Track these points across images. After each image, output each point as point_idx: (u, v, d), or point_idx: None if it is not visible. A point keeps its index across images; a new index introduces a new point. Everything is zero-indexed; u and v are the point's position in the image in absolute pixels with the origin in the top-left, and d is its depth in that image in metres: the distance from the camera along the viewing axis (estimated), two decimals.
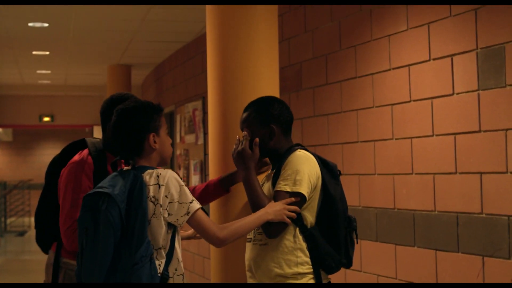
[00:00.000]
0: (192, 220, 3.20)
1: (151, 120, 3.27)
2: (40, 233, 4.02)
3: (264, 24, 4.69)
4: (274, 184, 3.52)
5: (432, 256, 4.72)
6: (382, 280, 5.25)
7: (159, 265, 3.16)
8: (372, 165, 5.36)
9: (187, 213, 3.17)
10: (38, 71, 12.96)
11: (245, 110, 3.71)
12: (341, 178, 3.53)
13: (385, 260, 5.22)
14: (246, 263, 3.64)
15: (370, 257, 5.41)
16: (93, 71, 12.78)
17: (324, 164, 3.55)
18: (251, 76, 4.55)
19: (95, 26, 8.84)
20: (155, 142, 3.27)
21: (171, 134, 11.28)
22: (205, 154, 9.09)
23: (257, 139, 3.58)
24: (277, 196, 3.45)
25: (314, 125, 6.19)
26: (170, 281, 3.18)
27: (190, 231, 3.91)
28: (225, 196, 4.08)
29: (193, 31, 9.11)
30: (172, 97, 11.01)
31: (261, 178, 3.78)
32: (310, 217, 3.49)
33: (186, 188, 3.20)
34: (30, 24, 8.65)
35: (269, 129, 3.60)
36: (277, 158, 3.62)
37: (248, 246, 3.63)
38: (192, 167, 9.64)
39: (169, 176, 3.17)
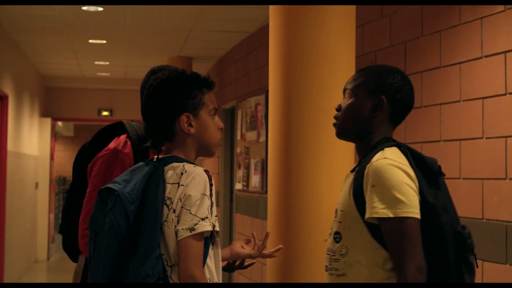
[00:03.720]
0: (185, 241, 2.43)
1: (186, 96, 2.57)
2: (67, 237, 3.34)
3: (337, 6, 4.25)
4: (356, 190, 2.64)
5: None
6: None
7: None
8: (457, 168, 4.72)
9: (191, 229, 2.42)
10: (97, 62, 12.57)
11: (357, 72, 2.87)
12: None
13: None
14: None
15: None
16: (152, 63, 12.28)
17: (418, 164, 2.67)
18: (321, 67, 4.15)
19: (153, 12, 8.39)
20: (190, 125, 2.57)
21: (231, 131, 10.74)
22: (267, 152, 8.53)
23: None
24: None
25: None
26: None
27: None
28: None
29: (257, 19, 8.59)
30: (234, 91, 10.47)
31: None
32: None
33: (208, 200, 2.45)
34: (84, 8, 8.18)
35: (376, 100, 2.73)
36: (363, 147, 2.77)
37: (325, 276, 2.74)
38: (252, 167, 9.10)
39: (195, 176, 2.46)
